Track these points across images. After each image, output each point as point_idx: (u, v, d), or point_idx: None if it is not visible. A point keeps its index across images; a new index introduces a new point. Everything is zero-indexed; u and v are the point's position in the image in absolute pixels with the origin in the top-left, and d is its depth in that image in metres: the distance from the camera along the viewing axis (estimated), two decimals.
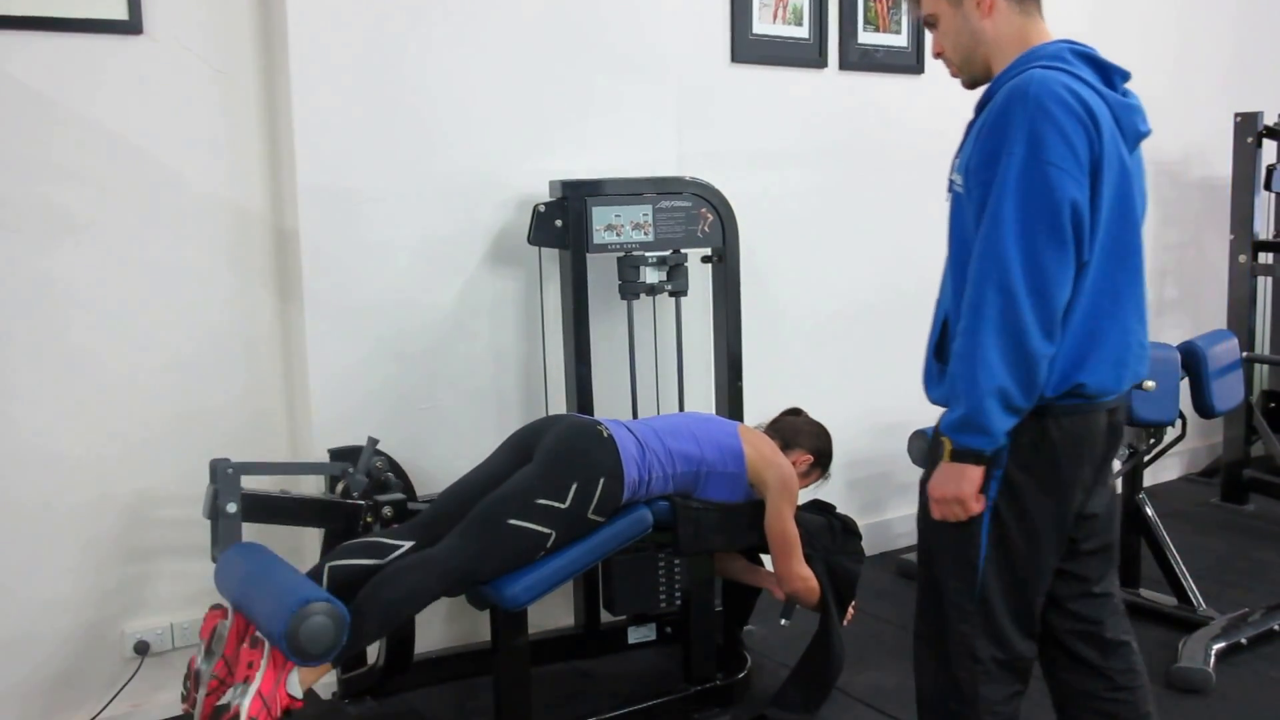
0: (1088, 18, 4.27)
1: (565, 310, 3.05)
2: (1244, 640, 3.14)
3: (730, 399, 3.20)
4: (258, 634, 2.23)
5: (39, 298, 2.63)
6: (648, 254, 3.04)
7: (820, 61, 3.73)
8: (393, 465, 2.75)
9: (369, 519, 2.66)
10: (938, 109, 3.57)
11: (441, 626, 3.08)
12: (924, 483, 1.95)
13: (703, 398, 3.31)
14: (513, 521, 2.39)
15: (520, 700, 2.52)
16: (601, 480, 2.46)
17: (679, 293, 3.11)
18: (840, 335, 3.87)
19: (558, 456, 2.48)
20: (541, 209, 2.95)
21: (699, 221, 3.09)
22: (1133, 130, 1.88)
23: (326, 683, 2.89)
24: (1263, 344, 4.78)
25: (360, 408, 2.90)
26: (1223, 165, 4.56)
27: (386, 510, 2.67)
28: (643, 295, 3.07)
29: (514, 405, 3.16)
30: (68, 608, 2.72)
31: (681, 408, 3.19)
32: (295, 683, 2.23)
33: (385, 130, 2.89)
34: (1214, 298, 4.78)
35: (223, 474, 2.48)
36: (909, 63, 3.91)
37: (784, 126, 3.69)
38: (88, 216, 2.66)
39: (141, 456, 2.76)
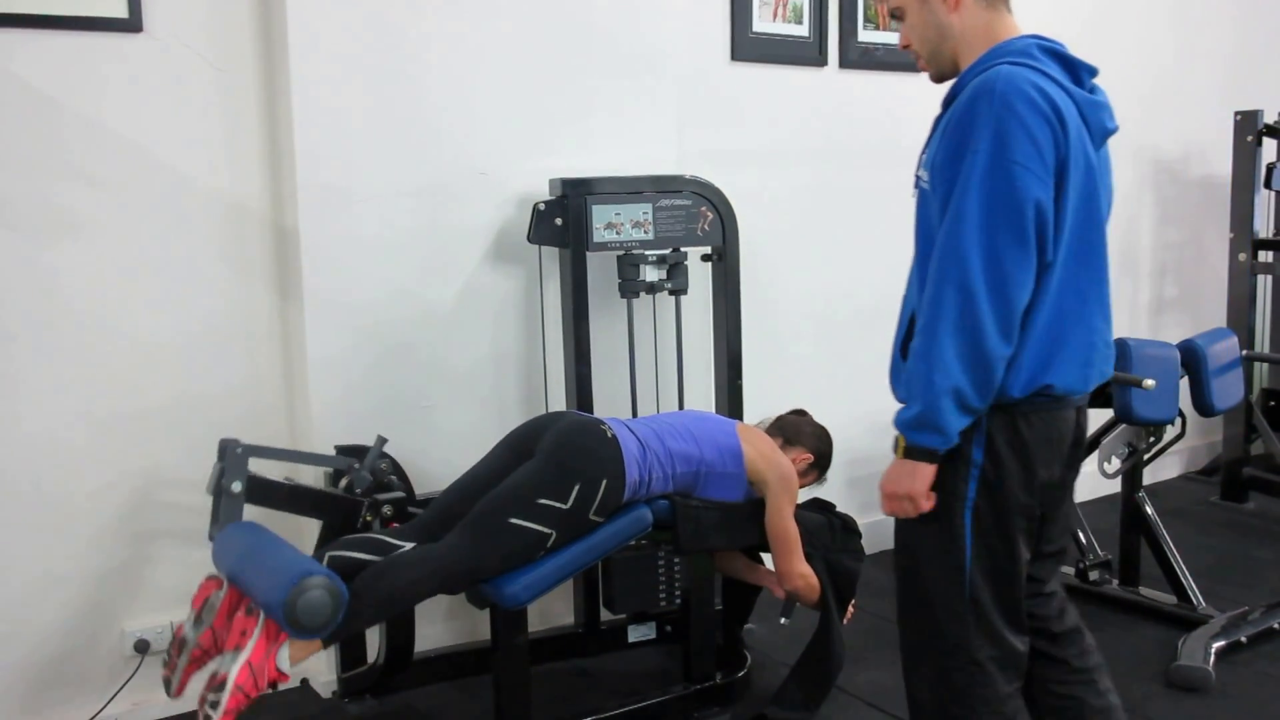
0: (1088, 16, 4.27)
1: (565, 308, 3.05)
2: (1244, 638, 3.14)
3: (730, 397, 3.21)
4: (253, 604, 2.23)
5: (40, 295, 2.63)
6: (648, 252, 3.04)
7: (820, 60, 3.73)
8: (396, 468, 2.75)
9: (369, 516, 2.66)
10: (938, 108, 3.55)
11: (441, 625, 3.08)
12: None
13: (703, 396, 3.31)
14: (514, 520, 2.39)
15: (520, 699, 2.52)
16: (604, 481, 2.45)
17: (679, 291, 3.11)
18: (840, 333, 3.87)
19: (561, 455, 2.47)
20: (541, 207, 2.95)
21: (699, 220, 3.09)
22: (1100, 128, 1.86)
23: (326, 681, 2.90)
24: (1262, 342, 4.77)
25: (359, 404, 2.91)
26: (1222, 163, 4.56)
27: (386, 509, 2.67)
28: (643, 294, 3.07)
29: (513, 403, 3.16)
30: (68, 607, 2.72)
31: (681, 406, 3.18)
32: (285, 657, 2.23)
33: (385, 128, 2.88)
34: (1214, 296, 4.78)
35: (231, 453, 2.50)
36: (909, 61, 3.88)
37: (784, 125, 3.69)
38: (88, 213, 2.67)
39: (142, 450, 2.77)
